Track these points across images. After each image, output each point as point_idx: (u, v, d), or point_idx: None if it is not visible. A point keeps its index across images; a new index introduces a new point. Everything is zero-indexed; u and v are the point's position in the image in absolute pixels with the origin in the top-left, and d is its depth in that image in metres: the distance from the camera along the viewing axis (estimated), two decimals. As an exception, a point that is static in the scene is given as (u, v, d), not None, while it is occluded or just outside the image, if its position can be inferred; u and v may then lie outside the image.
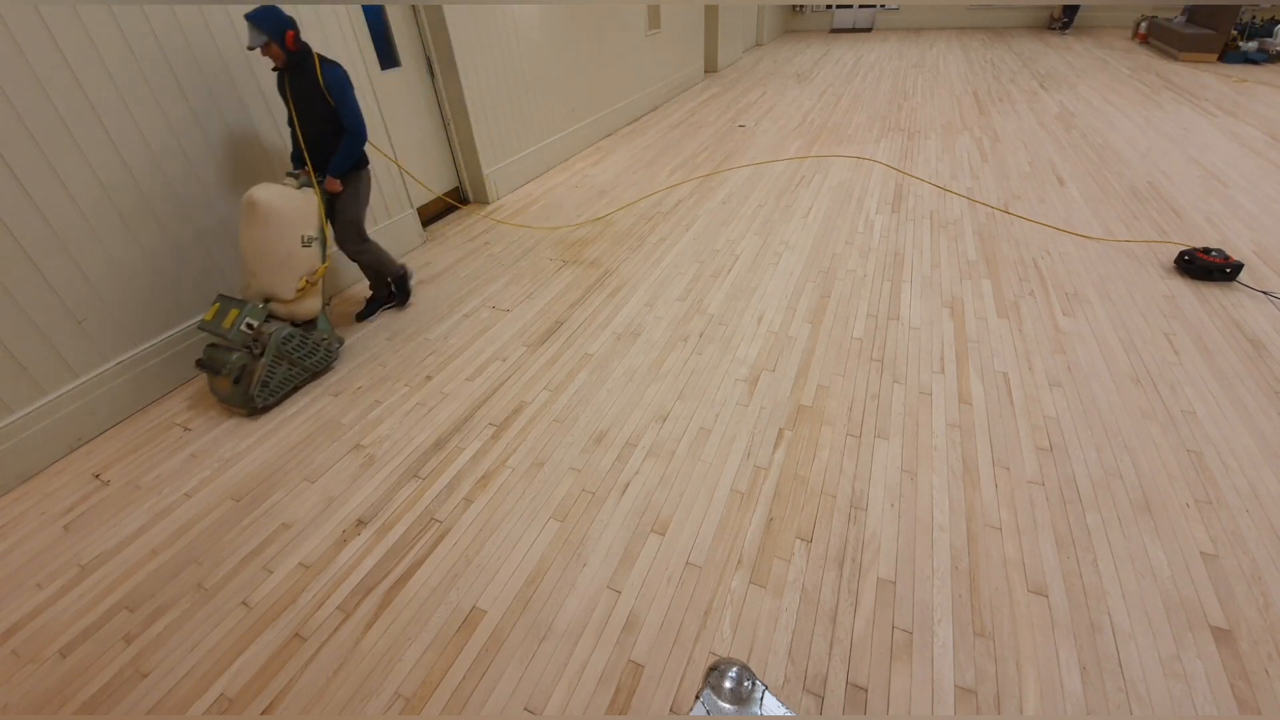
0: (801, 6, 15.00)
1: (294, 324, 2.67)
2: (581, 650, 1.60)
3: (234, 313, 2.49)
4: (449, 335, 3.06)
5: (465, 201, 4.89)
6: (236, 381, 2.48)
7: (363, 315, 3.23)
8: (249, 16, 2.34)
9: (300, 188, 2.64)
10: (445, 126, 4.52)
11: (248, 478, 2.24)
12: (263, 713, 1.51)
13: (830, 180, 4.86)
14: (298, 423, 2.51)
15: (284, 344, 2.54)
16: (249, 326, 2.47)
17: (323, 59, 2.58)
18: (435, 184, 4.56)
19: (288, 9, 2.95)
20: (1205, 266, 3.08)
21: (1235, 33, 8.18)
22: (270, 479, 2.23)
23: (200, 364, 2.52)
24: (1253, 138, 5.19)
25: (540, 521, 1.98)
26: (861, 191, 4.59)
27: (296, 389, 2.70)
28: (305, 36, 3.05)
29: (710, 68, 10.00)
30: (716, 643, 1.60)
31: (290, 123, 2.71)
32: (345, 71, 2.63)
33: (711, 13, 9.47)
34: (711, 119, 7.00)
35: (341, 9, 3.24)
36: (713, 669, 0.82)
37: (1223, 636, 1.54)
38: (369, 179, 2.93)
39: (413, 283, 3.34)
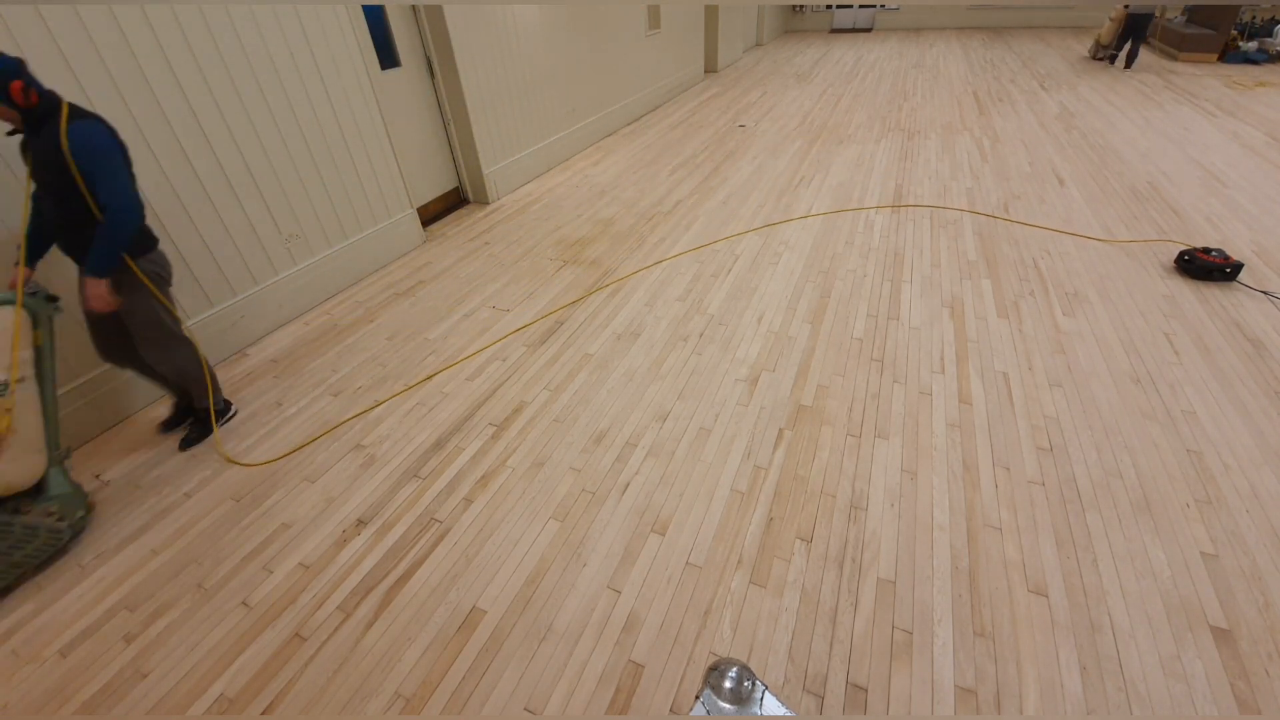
0: (801, 6, 15.00)
1: None
2: (581, 650, 1.60)
3: None
4: (449, 335, 3.06)
5: (465, 201, 4.89)
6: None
7: (168, 426, 2.46)
8: None
9: (28, 294, 1.89)
10: (445, 126, 4.52)
11: (248, 478, 2.24)
12: (263, 713, 1.51)
13: (830, 180, 4.86)
14: (298, 422, 2.51)
15: (45, 527, 1.82)
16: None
17: (76, 112, 1.83)
18: (435, 184, 4.56)
19: (288, 9, 2.94)
20: (1205, 266, 3.08)
21: (1235, 33, 8.18)
22: (270, 479, 2.23)
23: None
24: (1253, 138, 5.19)
25: (540, 521, 1.98)
26: (861, 191, 4.59)
27: (22, 578, 1.87)
28: (305, 36, 3.06)
29: (710, 68, 10.00)
30: (716, 643, 1.60)
31: (33, 198, 1.98)
32: (108, 129, 1.87)
33: (711, 13, 9.48)
34: (712, 119, 7.01)
35: (341, 9, 3.24)
36: (713, 669, 0.82)
37: (1223, 636, 1.54)
38: (164, 262, 2.16)
39: (230, 416, 2.53)
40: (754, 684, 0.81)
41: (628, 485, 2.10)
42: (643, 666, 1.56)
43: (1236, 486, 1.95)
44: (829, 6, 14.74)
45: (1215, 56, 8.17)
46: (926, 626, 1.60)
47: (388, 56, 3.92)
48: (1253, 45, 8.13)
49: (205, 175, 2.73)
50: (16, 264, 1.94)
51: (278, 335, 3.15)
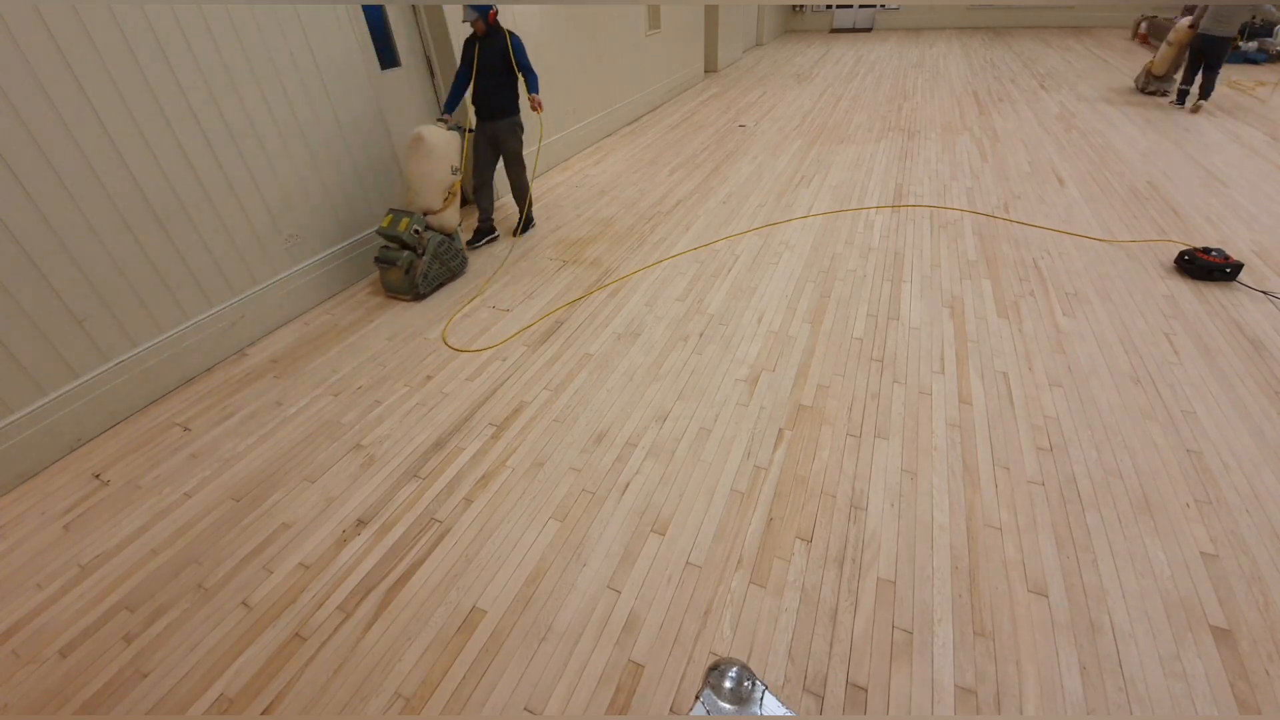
0: (801, 6, 15.01)
1: (442, 234, 3.46)
2: (581, 650, 1.60)
3: (405, 220, 3.23)
4: (449, 334, 3.06)
5: (465, 201, 4.89)
6: (406, 272, 3.28)
7: (472, 243, 4.00)
8: (469, 6, 3.31)
9: (449, 130, 3.44)
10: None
11: (248, 478, 2.24)
12: (263, 713, 1.51)
13: (830, 180, 4.86)
14: (298, 422, 2.51)
15: (439, 247, 3.41)
16: (416, 231, 3.23)
17: (502, 26, 3.54)
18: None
19: (288, 9, 2.95)
20: (1205, 266, 3.08)
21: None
22: (270, 479, 2.23)
23: (378, 260, 3.30)
24: (1253, 138, 5.19)
25: (540, 521, 1.98)
26: (861, 191, 4.59)
27: (441, 285, 3.53)
28: (305, 36, 3.07)
29: (710, 68, 10.00)
30: (716, 643, 1.60)
31: (462, 76, 3.60)
32: (520, 38, 3.61)
33: (711, 13, 9.48)
34: (712, 119, 7.00)
35: (342, 9, 3.24)
36: (713, 669, 0.82)
37: (1223, 636, 1.54)
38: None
39: (530, 229, 4.25)
40: (754, 684, 0.81)
41: (628, 485, 2.10)
42: (643, 666, 1.56)
43: (1236, 486, 1.95)
44: (829, 6, 14.74)
45: (1215, 56, 8.14)
46: (926, 626, 1.60)
47: (388, 57, 3.92)
48: (1253, 45, 8.13)
49: (205, 175, 2.74)
50: (442, 117, 3.51)
51: (278, 335, 3.15)
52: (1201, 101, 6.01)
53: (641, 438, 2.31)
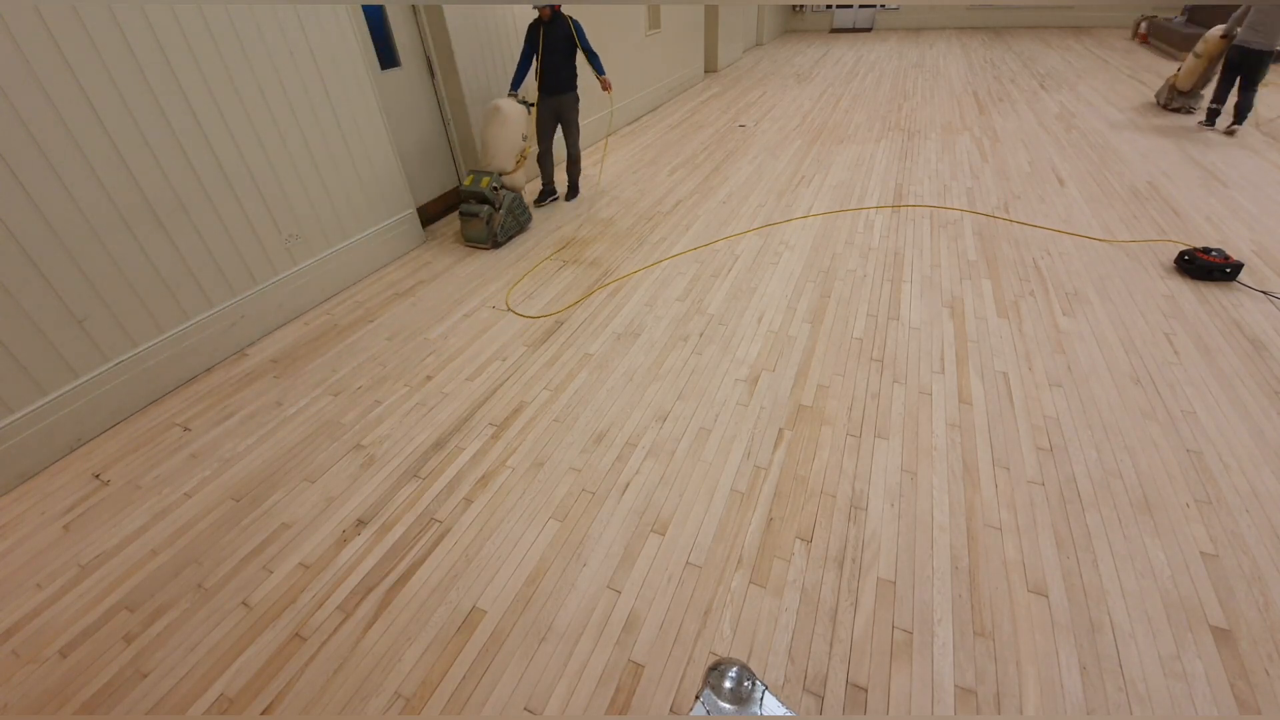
0: (801, 6, 15.00)
1: (513, 192, 4.07)
2: (581, 650, 1.60)
3: (486, 179, 3.88)
4: (449, 335, 3.06)
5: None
6: (486, 224, 3.90)
7: (538, 202, 4.65)
8: None
9: (519, 102, 4.08)
10: (445, 126, 4.52)
11: (248, 478, 2.24)
12: (263, 713, 1.51)
13: (830, 180, 4.86)
14: (298, 422, 2.51)
15: (512, 203, 4.03)
16: (495, 188, 3.85)
17: (570, 17, 4.04)
18: (435, 184, 4.56)
19: (288, 9, 2.95)
20: (1205, 266, 3.08)
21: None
22: (270, 479, 2.23)
23: (462, 214, 3.93)
24: (1253, 138, 5.19)
25: (540, 521, 1.98)
26: (861, 191, 4.59)
27: (511, 238, 4.15)
28: (305, 36, 3.08)
29: (710, 68, 10.00)
30: (716, 643, 1.60)
31: (526, 57, 4.14)
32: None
33: (711, 13, 9.47)
34: (712, 119, 7.00)
35: (342, 9, 3.24)
36: (713, 669, 0.82)
37: (1223, 636, 1.54)
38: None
39: (577, 195, 4.83)
40: (754, 684, 0.81)
41: (628, 485, 2.10)
42: (643, 666, 1.56)
43: (1236, 486, 1.95)
44: (829, 6, 14.74)
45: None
46: (926, 626, 1.60)
47: (388, 56, 3.92)
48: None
49: (205, 175, 2.74)
50: (512, 92, 4.12)
51: (278, 335, 3.15)
52: (1237, 125, 5.19)
53: (641, 438, 2.31)
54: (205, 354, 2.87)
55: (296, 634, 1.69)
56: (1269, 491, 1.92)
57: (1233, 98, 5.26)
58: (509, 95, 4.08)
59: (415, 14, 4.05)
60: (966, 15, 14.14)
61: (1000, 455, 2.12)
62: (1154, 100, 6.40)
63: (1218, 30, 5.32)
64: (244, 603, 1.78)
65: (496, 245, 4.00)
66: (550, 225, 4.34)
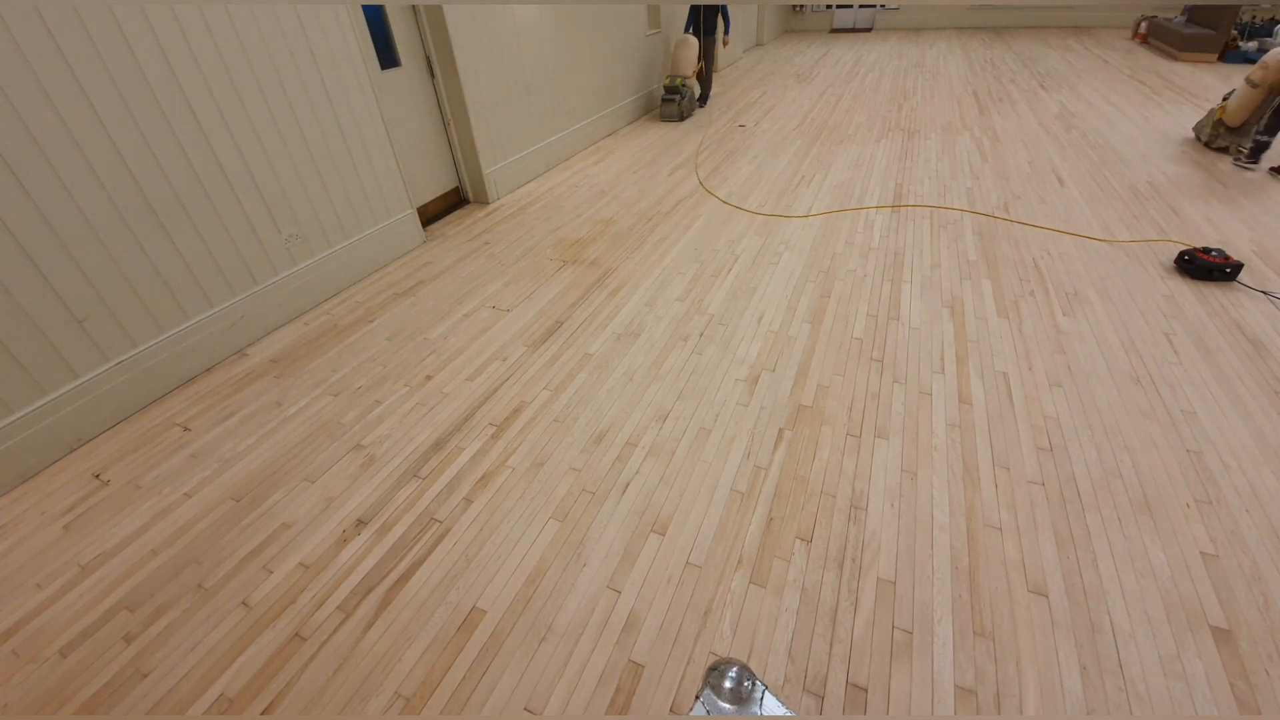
0: (801, 6, 14.99)
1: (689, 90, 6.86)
2: (581, 650, 1.60)
3: (680, 79, 6.69)
4: (449, 335, 3.06)
5: (465, 201, 4.90)
6: (677, 106, 6.67)
7: (699, 100, 7.49)
8: None
9: (692, 35, 6.83)
10: (445, 126, 4.52)
11: (248, 478, 2.24)
12: (263, 713, 1.51)
13: (830, 180, 4.86)
14: (298, 422, 2.51)
15: (691, 95, 6.90)
16: (683, 84, 6.67)
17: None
18: (435, 184, 4.56)
19: (288, 9, 2.95)
20: (1205, 266, 3.08)
21: (1235, 32, 8.18)
22: (270, 479, 2.23)
23: (664, 100, 6.72)
24: (1253, 138, 5.18)
25: (540, 521, 1.98)
26: (861, 191, 4.60)
27: (684, 119, 6.94)
28: (305, 36, 3.08)
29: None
30: (716, 643, 1.60)
31: (693, 14, 7.18)
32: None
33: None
34: (712, 119, 7.00)
35: (342, 9, 3.24)
36: (713, 669, 0.82)
37: (1223, 636, 1.54)
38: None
39: (706, 105, 7.59)
40: (754, 684, 0.81)
41: (628, 485, 2.10)
42: (643, 666, 1.56)
43: (1236, 486, 1.95)
44: (829, 6, 14.73)
45: (1215, 56, 8.17)
46: (926, 626, 1.60)
47: (388, 56, 3.92)
48: (1252, 45, 8.13)
49: (205, 175, 2.74)
50: (685, 32, 7.21)
51: (278, 335, 3.15)
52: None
53: (641, 438, 2.31)
54: (205, 354, 2.87)
55: (296, 634, 1.69)
56: (1269, 491, 1.92)
57: None
58: (685, 34, 7.07)
59: (415, 14, 4.05)
60: (966, 15, 14.13)
61: (1000, 455, 2.13)
62: (1193, 135, 5.22)
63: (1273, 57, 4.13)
64: (244, 603, 1.78)
65: (682, 119, 6.92)
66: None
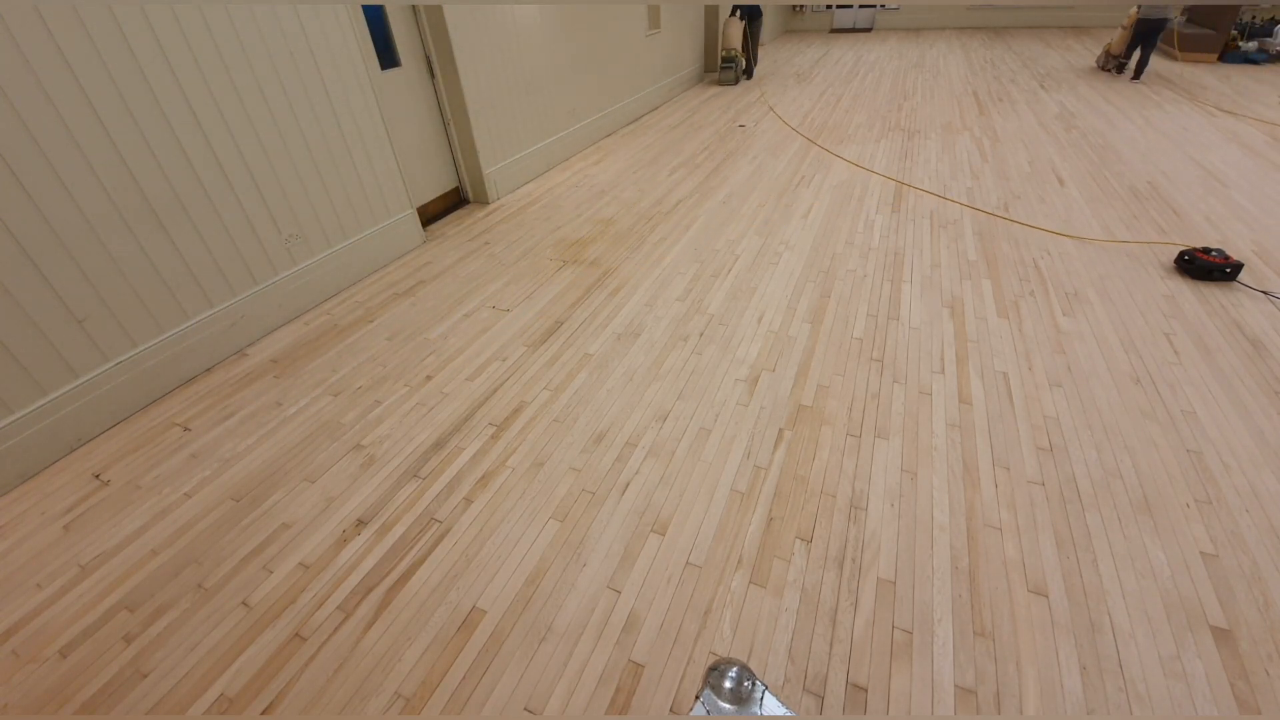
0: (801, 6, 14.99)
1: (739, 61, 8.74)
2: (581, 650, 1.60)
3: (734, 51, 8.59)
4: (449, 335, 3.06)
5: (465, 201, 4.90)
6: (733, 72, 8.73)
7: (745, 72, 9.27)
8: None
9: (738, 19, 8.52)
10: (445, 126, 4.52)
11: (248, 478, 2.24)
12: (263, 713, 1.51)
13: (830, 180, 4.86)
14: (298, 422, 2.51)
15: (740, 66, 8.78)
16: (735, 55, 8.64)
17: None
18: (435, 184, 4.56)
19: (288, 9, 2.95)
20: (1205, 266, 3.08)
21: (1235, 33, 8.18)
22: (270, 479, 2.23)
23: (721, 68, 8.74)
24: (1253, 138, 5.20)
25: (540, 521, 1.98)
26: (862, 191, 4.59)
27: (737, 81, 8.83)
28: (305, 36, 3.08)
29: (710, 67, 9.99)
30: (716, 643, 1.60)
31: (734, 9, 8.75)
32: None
33: (711, 13, 9.47)
34: (712, 119, 7.00)
35: (342, 9, 3.24)
36: (713, 669, 0.82)
37: (1223, 636, 1.54)
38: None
39: (751, 76, 9.29)
40: (754, 684, 0.81)
41: (628, 485, 2.10)
42: (643, 666, 1.56)
43: (1236, 486, 1.95)
44: (829, 6, 14.73)
45: (1215, 56, 8.17)
46: (926, 626, 1.60)
47: (388, 56, 3.92)
48: (1252, 45, 8.13)
49: (205, 175, 2.74)
50: (731, 15, 8.69)
51: (278, 335, 3.15)
52: (1135, 81, 7.49)
53: (641, 438, 2.31)
54: (205, 354, 2.87)
55: (296, 634, 1.69)
56: (1269, 491, 1.92)
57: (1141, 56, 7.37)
58: (730, 16, 8.46)
59: (415, 14, 4.05)
60: (966, 15, 14.13)
61: (1000, 455, 2.13)
62: (1095, 65, 8.61)
63: (1134, 4, 7.77)
64: (244, 603, 1.78)
65: (735, 83, 8.70)
66: (548, 226, 4.35)
